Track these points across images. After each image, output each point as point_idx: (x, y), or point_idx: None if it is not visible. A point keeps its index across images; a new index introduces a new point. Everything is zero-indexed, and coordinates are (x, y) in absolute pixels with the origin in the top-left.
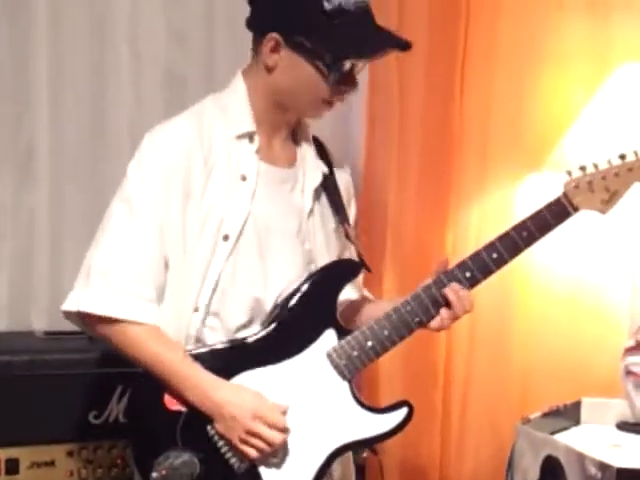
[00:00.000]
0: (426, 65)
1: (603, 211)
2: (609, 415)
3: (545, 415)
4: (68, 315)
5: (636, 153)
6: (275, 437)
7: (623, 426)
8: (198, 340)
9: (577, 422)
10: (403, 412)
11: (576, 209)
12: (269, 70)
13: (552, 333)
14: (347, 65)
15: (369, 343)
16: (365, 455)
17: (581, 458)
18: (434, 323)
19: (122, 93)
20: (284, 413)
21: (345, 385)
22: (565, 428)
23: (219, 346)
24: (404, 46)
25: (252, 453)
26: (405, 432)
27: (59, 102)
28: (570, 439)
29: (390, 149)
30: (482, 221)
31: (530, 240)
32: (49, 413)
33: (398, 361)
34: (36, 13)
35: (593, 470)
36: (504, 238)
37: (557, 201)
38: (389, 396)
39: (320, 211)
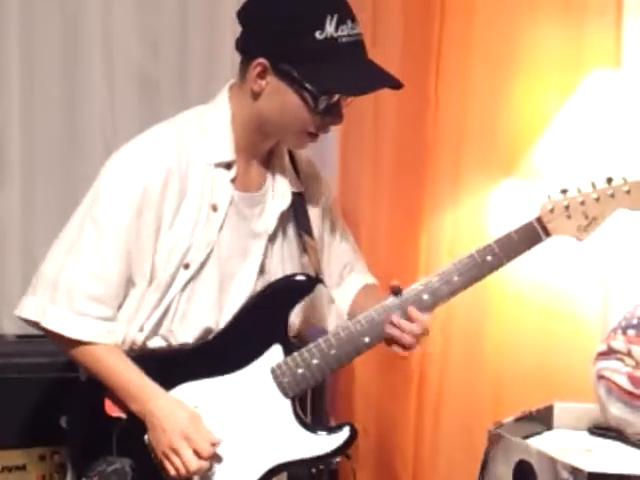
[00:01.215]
0: (400, 70)
1: (580, 238)
2: (581, 420)
3: (518, 420)
4: (27, 321)
5: (624, 179)
6: (193, 463)
7: (595, 431)
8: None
9: (549, 427)
10: (345, 434)
11: (549, 234)
12: (255, 95)
13: (525, 338)
14: (334, 98)
15: (314, 361)
16: (338, 460)
17: (553, 463)
18: (396, 348)
19: (94, 97)
20: (214, 445)
21: (287, 403)
22: (537, 433)
23: (165, 353)
24: (395, 86)
25: (170, 470)
26: (378, 437)
27: (31, 106)
28: (542, 444)
29: (363, 154)
30: (455, 227)
31: (495, 265)
32: (21, 417)
33: (372, 367)
34: (8, 17)
35: (565, 475)
36: (467, 261)
37: (529, 225)
38: (364, 402)
39: (283, 234)
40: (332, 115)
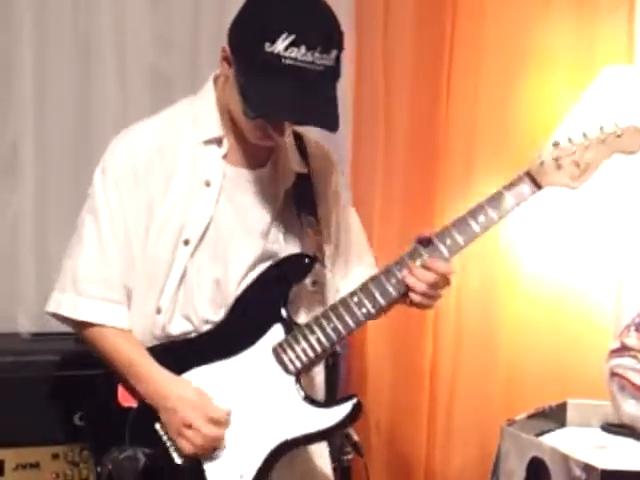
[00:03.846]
0: (412, 68)
1: (573, 187)
2: (594, 417)
3: (530, 417)
4: (52, 315)
5: (616, 124)
6: (211, 430)
7: (608, 428)
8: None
9: (562, 424)
10: (348, 406)
11: (539, 187)
12: (226, 79)
13: (538, 335)
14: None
15: (314, 336)
16: (350, 457)
17: (566, 460)
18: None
19: (107, 95)
20: (227, 414)
21: (290, 380)
22: (550, 430)
23: (172, 343)
24: (314, 123)
25: (186, 447)
26: (391, 433)
27: (44, 103)
28: (555, 441)
29: (375, 153)
30: None
31: (488, 224)
32: (34, 415)
33: (385, 363)
34: (21, 15)
35: (578, 472)
36: (459, 223)
37: (518, 179)
38: (376, 397)
39: (290, 211)
40: (272, 126)
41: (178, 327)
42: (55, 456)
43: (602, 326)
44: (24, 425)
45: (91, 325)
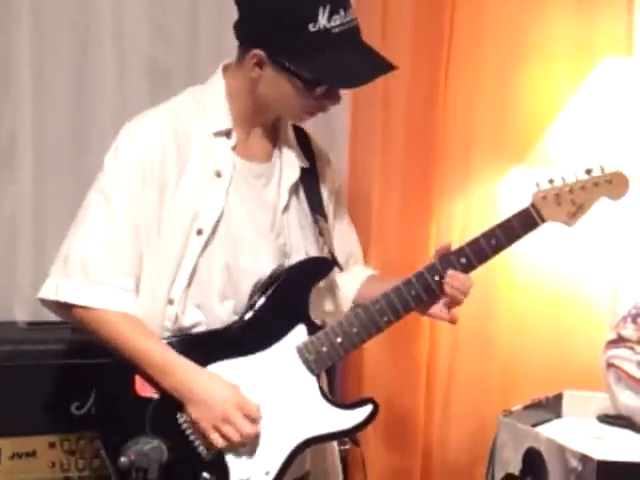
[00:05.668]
0: (410, 58)
1: (569, 224)
2: (590, 408)
3: (527, 407)
4: (45, 302)
5: (602, 168)
6: (248, 427)
7: (604, 419)
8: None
9: (559, 415)
10: (368, 409)
11: (544, 220)
12: (253, 81)
13: (534, 326)
14: (325, 88)
15: (338, 340)
16: (347, 447)
17: (562, 450)
18: (433, 311)
19: (105, 87)
20: (259, 409)
21: (313, 380)
22: (547, 420)
23: (191, 336)
24: (385, 72)
25: (219, 441)
26: (388, 424)
27: (42, 95)
28: (552, 431)
29: (374, 142)
30: (466, 215)
31: (497, 248)
32: (31, 404)
33: (382, 354)
34: (19, 7)
35: (574, 462)
36: (473, 244)
37: (525, 211)
38: (373, 390)
39: (297, 206)
40: (329, 98)
41: (191, 317)
42: (52, 445)
43: (598, 317)
44: (20, 414)
45: (99, 312)
